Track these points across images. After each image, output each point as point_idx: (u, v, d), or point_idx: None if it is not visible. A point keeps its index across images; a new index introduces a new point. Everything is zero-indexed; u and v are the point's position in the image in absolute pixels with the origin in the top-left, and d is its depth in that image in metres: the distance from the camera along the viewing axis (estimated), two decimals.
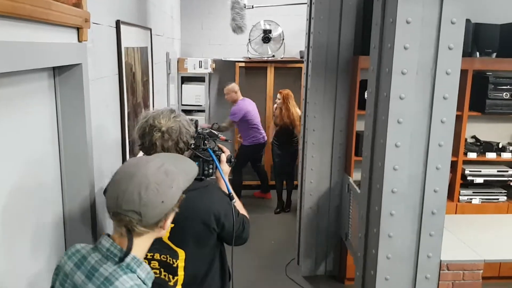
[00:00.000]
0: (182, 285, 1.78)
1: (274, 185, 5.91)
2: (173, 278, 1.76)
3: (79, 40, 1.71)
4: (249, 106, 5.71)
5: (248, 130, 5.72)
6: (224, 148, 2.05)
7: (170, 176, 1.23)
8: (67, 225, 1.82)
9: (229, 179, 5.77)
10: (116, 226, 1.23)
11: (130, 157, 2.59)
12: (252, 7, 5.39)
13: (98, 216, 1.97)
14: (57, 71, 1.68)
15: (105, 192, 1.82)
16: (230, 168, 2.05)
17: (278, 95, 5.59)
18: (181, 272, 1.77)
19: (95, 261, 1.23)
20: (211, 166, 1.93)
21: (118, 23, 2.31)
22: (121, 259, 1.20)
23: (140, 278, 1.22)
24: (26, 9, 1.18)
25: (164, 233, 1.31)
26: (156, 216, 1.21)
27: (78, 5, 1.64)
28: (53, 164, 1.72)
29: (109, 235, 1.26)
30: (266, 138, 5.88)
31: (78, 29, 1.70)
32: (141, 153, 2.88)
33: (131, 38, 2.66)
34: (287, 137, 5.59)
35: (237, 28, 5.41)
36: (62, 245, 1.80)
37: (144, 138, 1.74)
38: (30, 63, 1.29)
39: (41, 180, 1.61)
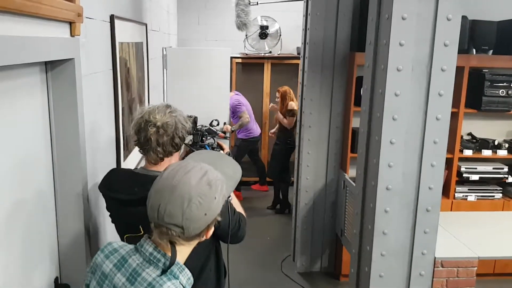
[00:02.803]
0: None
1: (272, 182, 5.91)
2: None
3: (72, 35, 1.70)
4: (243, 99, 5.75)
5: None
6: (224, 145, 2.04)
7: (213, 187, 1.17)
8: (60, 223, 1.80)
9: None
10: (157, 237, 1.20)
11: (124, 153, 2.58)
12: (257, 3, 5.36)
13: (92, 213, 1.95)
14: (49, 66, 1.67)
15: (100, 187, 1.81)
16: None
17: (277, 93, 5.55)
18: None
19: (136, 264, 1.20)
20: None
21: (112, 18, 2.29)
22: (167, 269, 1.18)
23: (182, 284, 1.20)
24: (16, 2, 1.16)
25: (204, 239, 1.27)
26: (199, 228, 1.18)
27: None
28: (45, 160, 1.70)
29: (149, 238, 1.23)
30: (260, 131, 5.92)
31: (71, 23, 1.68)
32: (136, 149, 2.88)
33: (126, 33, 2.65)
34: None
35: (242, 25, 5.37)
36: (55, 243, 1.79)
37: (140, 134, 1.73)
38: (21, 57, 1.28)
39: (33, 177, 1.60)
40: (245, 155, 5.93)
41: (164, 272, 1.18)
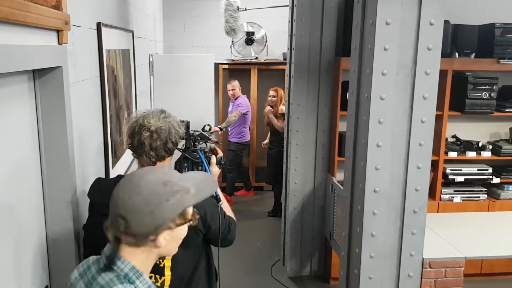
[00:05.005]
0: (169, 286, 1.78)
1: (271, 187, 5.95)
2: (160, 278, 1.75)
3: (59, 43, 1.70)
4: (248, 104, 5.90)
5: (243, 127, 5.86)
6: (219, 150, 2.06)
7: (169, 188, 1.13)
8: (49, 231, 1.79)
9: (231, 176, 5.81)
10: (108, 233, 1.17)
11: (113, 160, 2.58)
12: (245, 9, 5.38)
13: (81, 221, 1.95)
14: (37, 74, 1.67)
15: (88, 194, 1.81)
16: (220, 170, 2.05)
17: (274, 93, 5.54)
18: (168, 272, 1.77)
19: (95, 270, 1.19)
20: (200, 168, 1.93)
21: (99, 26, 2.29)
22: (106, 266, 1.15)
23: None
24: (3, 11, 1.16)
25: (164, 252, 1.22)
26: (143, 226, 1.12)
27: (57, 7, 1.63)
28: (34, 168, 1.70)
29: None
30: (249, 137, 6.07)
31: (58, 31, 1.68)
32: (124, 156, 2.87)
33: (113, 40, 2.65)
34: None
35: (231, 31, 5.40)
36: (45, 251, 1.78)
37: (133, 138, 1.74)
38: (8, 66, 1.28)
39: (22, 185, 1.59)
40: (242, 158, 5.98)
41: (119, 276, 1.15)
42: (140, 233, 1.13)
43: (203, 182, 1.27)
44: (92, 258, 1.27)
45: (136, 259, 1.17)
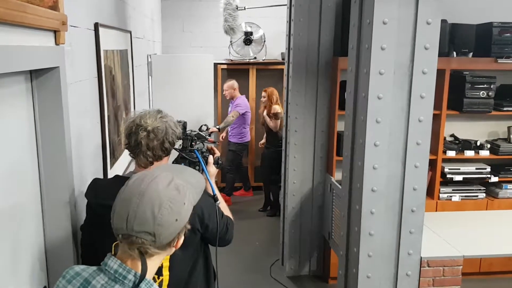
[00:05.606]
0: (167, 285, 1.78)
1: (261, 186, 5.97)
2: (158, 278, 1.76)
3: (56, 43, 1.70)
4: (247, 104, 5.89)
5: (243, 127, 5.86)
6: (216, 150, 2.07)
7: (181, 192, 1.15)
8: (47, 231, 1.79)
9: (230, 177, 5.83)
10: (127, 249, 1.13)
11: (111, 160, 2.58)
12: (244, 8, 5.38)
13: (79, 221, 1.95)
14: (34, 74, 1.67)
15: (86, 195, 1.81)
16: (217, 170, 2.06)
17: (264, 93, 5.60)
18: (166, 272, 1.77)
19: (101, 285, 1.12)
20: (197, 167, 1.94)
21: (96, 26, 2.29)
22: (136, 285, 1.11)
23: None
24: (0, 12, 1.17)
25: (173, 250, 1.21)
26: (170, 235, 1.13)
27: (54, 7, 1.63)
28: (31, 169, 1.70)
29: (114, 255, 1.16)
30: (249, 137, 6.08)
31: (55, 32, 1.68)
32: (123, 157, 2.87)
33: (111, 41, 2.65)
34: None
35: (230, 30, 5.40)
36: (43, 252, 1.78)
37: (131, 138, 1.75)
38: (5, 66, 1.28)
39: (19, 186, 1.59)
40: (242, 158, 5.99)
41: None
42: (166, 243, 1.14)
43: (187, 173, 1.31)
44: (81, 269, 1.21)
45: (150, 268, 1.16)
